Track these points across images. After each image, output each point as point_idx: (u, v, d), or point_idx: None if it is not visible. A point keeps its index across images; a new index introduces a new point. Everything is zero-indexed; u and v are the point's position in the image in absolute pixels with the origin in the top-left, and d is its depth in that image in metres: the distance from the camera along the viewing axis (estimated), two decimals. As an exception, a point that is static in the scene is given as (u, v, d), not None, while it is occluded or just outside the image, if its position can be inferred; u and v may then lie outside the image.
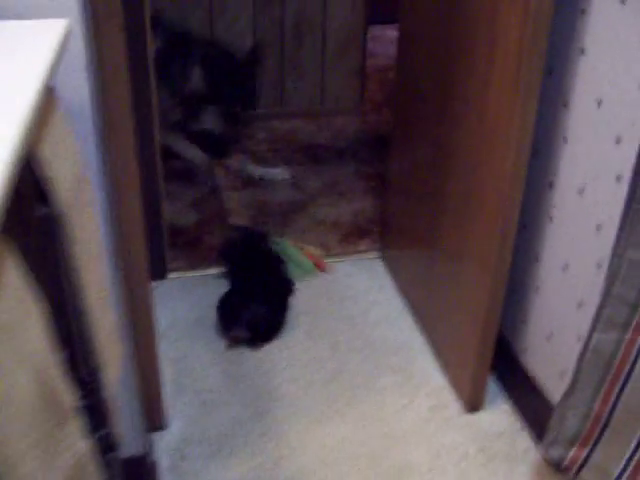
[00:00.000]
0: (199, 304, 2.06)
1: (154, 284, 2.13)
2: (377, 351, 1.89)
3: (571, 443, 1.39)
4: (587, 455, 1.33)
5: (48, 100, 0.79)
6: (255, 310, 1.88)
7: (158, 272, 2.17)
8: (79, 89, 1.02)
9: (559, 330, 1.54)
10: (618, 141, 1.27)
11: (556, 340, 1.55)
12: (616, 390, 1.24)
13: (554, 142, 1.47)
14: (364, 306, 2.07)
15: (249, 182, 2.71)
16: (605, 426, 1.31)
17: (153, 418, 1.57)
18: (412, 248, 2.05)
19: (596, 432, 1.33)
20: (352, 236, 2.42)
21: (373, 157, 2.95)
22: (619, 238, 1.18)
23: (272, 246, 2.18)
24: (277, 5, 3.01)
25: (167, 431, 1.61)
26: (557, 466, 1.38)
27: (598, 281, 1.33)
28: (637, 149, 1.20)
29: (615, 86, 1.26)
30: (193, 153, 2.67)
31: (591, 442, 1.34)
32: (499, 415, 1.69)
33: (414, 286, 2.05)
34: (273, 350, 1.88)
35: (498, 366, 1.72)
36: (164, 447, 1.57)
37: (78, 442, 0.69)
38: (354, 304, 2.08)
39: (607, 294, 1.24)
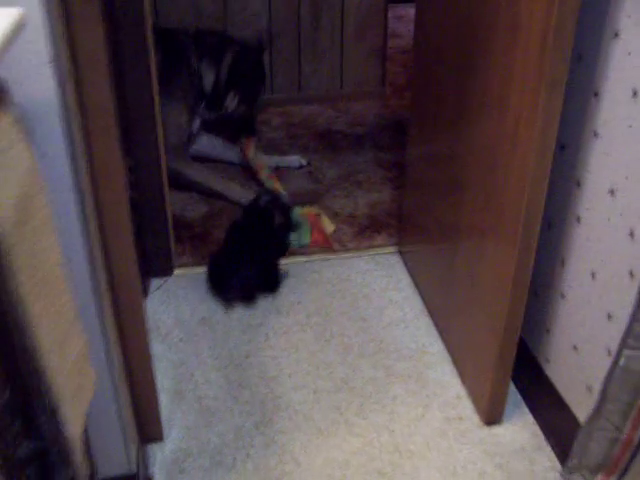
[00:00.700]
0: (205, 303, 1.97)
1: (159, 281, 2.05)
2: (390, 356, 1.77)
3: (596, 470, 1.27)
4: (614, 485, 1.21)
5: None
6: (243, 274, 1.94)
7: (164, 268, 2.08)
8: (43, 85, 0.91)
9: (587, 341, 1.41)
10: (656, 137, 1.13)
11: (583, 351, 1.42)
12: (648, 416, 1.12)
13: (583, 136, 1.33)
14: (379, 306, 1.96)
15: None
16: (636, 453, 1.19)
17: (148, 429, 1.48)
18: (431, 244, 1.92)
19: (625, 459, 1.22)
20: (368, 230, 2.30)
21: (393, 144, 2.82)
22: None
23: (292, 213, 2.15)
24: (293, -18, 2.89)
25: (164, 442, 1.52)
26: (580, 495, 1.27)
27: (631, 292, 1.20)
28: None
29: (653, 74, 1.12)
30: (233, 191, 2.45)
31: (619, 470, 1.22)
32: (519, 429, 1.57)
33: (432, 285, 1.92)
34: (280, 354, 1.78)
35: (519, 376, 1.60)
36: (161, 460, 1.49)
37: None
38: (368, 304, 1.97)
39: (639, 307, 1.12)
